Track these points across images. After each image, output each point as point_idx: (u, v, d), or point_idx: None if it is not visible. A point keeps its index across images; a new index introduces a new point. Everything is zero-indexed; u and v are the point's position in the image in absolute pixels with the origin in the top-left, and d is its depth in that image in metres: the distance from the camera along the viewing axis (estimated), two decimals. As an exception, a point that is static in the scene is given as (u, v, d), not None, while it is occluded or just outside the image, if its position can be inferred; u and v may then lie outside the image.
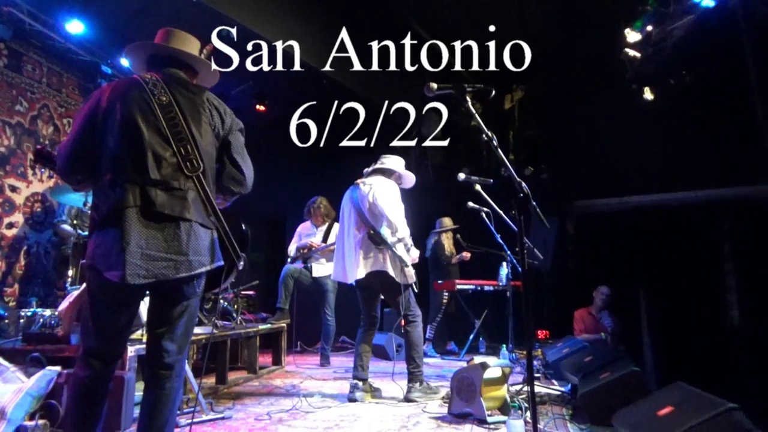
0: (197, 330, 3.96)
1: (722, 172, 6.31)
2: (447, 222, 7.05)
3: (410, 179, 4.21)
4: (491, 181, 4.12)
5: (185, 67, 2.19)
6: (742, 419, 2.00)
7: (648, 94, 6.38)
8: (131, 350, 3.01)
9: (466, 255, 6.92)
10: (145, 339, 1.97)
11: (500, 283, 6.37)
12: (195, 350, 4.03)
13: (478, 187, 4.13)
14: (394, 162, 4.15)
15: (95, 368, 1.86)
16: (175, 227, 1.84)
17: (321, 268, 5.71)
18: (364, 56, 6.90)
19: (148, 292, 1.99)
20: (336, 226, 5.79)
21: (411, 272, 3.88)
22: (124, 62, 5.65)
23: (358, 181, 4.08)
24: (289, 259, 5.85)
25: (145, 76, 2.03)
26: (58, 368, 2.95)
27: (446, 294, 6.64)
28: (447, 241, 6.99)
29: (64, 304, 3.35)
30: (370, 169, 4.15)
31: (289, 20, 5.82)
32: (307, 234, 5.90)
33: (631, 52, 5.94)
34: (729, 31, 4.68)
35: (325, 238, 5.77)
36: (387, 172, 4.09)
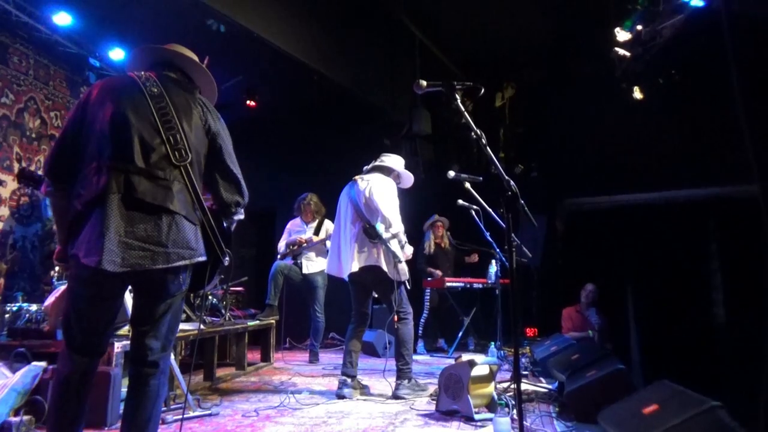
0: (185, 326, 3.94)
1: (709, 172, 6.35)
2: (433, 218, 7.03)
3: (409, 179, 4.21)
4: (481, 178, 4.14)
5: (181, 73, 2.17)
6: (725, 417, 2.02)
7: (637, 93, 6.39)
8: (118, 346, 2.99)
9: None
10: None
11: (489, 281, 6.39)
12: (183, 346, 4.01)
13: (467, 184, 4.13)
14: (394, 161, 4.16)
15: (77, 363, 1.84)
16: (156, 217, 1.81)
17: (311, 265, 5.69)
18: (356, 53, 6.89)
19: (131, 287, 1.97)
20: (326, 222, 5.78)
21: (404, 269, 3.89)
22: (113, 55, 5.59)
23: (357, 177, 4.09)
24: (278, 255, 5.83)
25: (139, 74, 2.03)
26: (43, 364, 2.93)
27: (428, 291, 6.65)
28: (432, 237, 6.96)
29: (50, 299, 3.31)
30: (370, 166, 4.17)
31: (281, 15, 5.76)
32: (296, 230, 5.88)
33: (621, 51, 5.95)
34: (717, 31, 4.71)
35: (315, 235, 5.75)
36: (386, 170, 4.11)
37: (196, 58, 2.20)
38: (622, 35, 5.89)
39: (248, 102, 7.04)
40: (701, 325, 5.43)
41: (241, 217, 2.15)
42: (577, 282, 6.66)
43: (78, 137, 1.92)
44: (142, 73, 2.04)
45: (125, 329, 3.18)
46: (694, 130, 6.34)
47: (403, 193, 4.13)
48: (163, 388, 1.92)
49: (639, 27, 5.76)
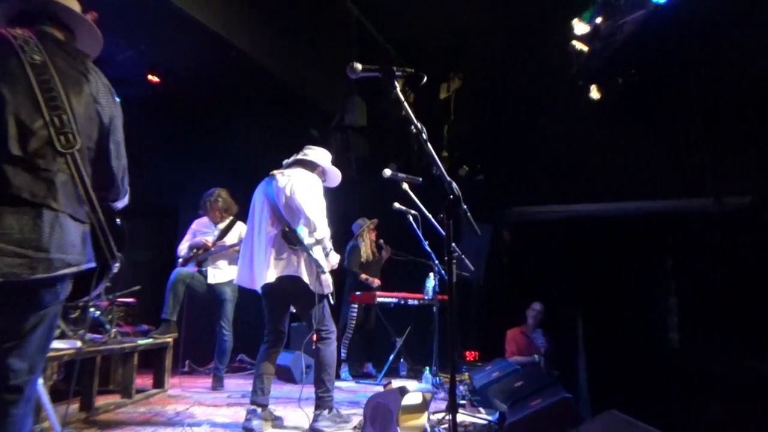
0: (59, 344, 3.75)
1: (666, 183, 6.73)
2: (365, 222, 7.02)
3: (335, 177, 4.19)
4: (420, 180, 4.19)
5: (63, 28, 2.05)
6: (675, 451, 2.13)
7: (594, 93, 6.70)
8: (-30, 368, 2.80)
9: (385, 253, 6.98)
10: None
11: (426, 297, 6.47)
12: (55, 369, 3.81)
13: (405, 185, 4.18)
14: (319, 155, 4.12)
15: None
16: (35, 216, 1.71)
17: (218, 273, 5.56)
18: (284, 29, 6.82)
19: None
20: (238, 223, 5.68)
21: (328, 280, 3.86)
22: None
23: (275, 171, 4.02)
24: (179, 261, 5.67)
25: (14, 32, 1.87)
26: None
27: (354, 307, 6.65)
28: (365, 244, 6.95)
29: None
30: (291, 159, 4.11)
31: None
32: (203, 231, 5.73)
33: (578, 45, 6.21)
34: (680, 30, 5.03)
35: (223, 237, 5.64)
36: (309, 165, 4.06)
37: (78, 7, 2.08)
38: (580, 28, 6.16)
39: (150, 77, 6.81)
40: (654, 351, 5.74)
41: (125, 202, 2.11)
42: (523, 300, 6.87)
43: None
44: (19, 31, 1.88)
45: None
46: (652, 135, 6.71)
47: (330, 193, 4.11)
48: (26, 419, 1.81)
49: (598, 20, 6.03)
